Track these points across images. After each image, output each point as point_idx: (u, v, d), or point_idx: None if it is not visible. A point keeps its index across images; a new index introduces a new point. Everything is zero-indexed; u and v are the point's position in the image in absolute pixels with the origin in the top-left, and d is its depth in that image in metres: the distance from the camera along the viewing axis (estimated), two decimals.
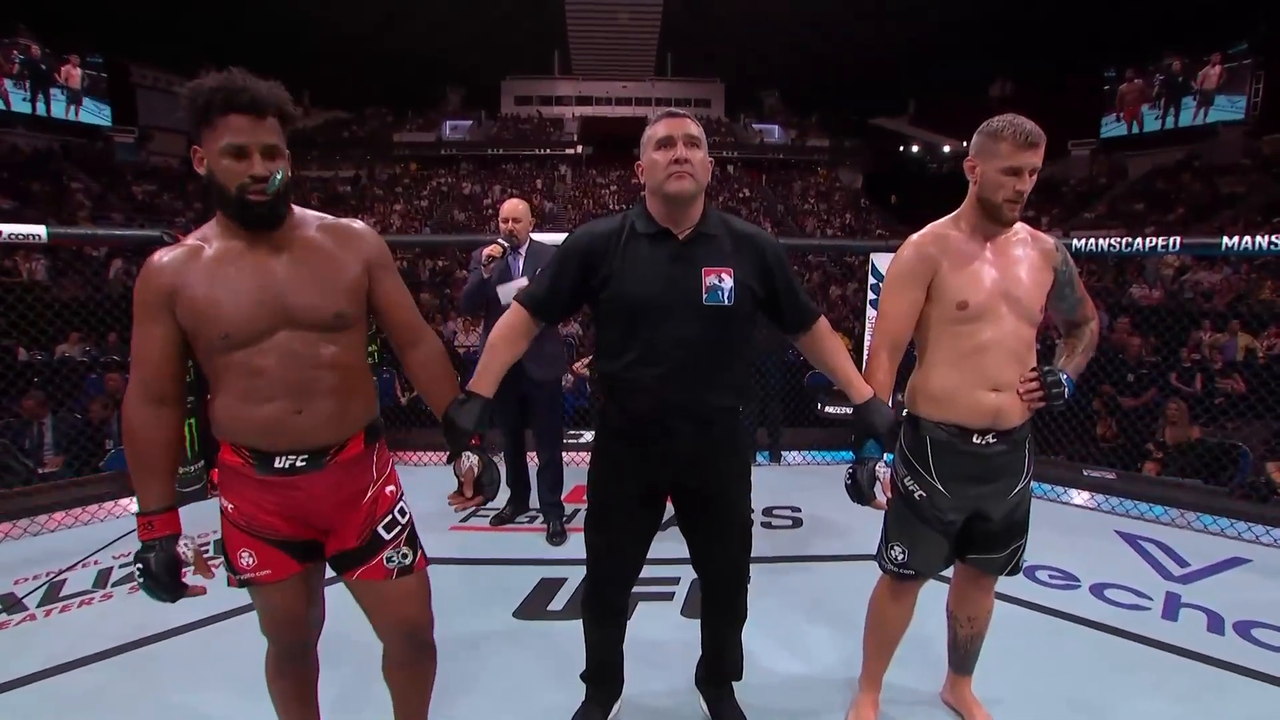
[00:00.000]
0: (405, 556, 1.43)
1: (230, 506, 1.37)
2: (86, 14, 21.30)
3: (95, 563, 2.93)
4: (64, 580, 2.77)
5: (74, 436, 4.53)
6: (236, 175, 1.21)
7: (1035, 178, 1.56)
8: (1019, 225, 1.67)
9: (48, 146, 20.62)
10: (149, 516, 1.31)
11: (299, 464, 1.32)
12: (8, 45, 19.54)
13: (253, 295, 1.25)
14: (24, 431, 4.53)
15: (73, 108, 21.23)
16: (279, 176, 1.25)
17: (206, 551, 1.33)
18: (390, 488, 1.45)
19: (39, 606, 2.56)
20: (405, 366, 1.50)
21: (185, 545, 1.33)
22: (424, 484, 2.54)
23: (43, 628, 2.42)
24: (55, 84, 20.72)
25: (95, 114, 21.88)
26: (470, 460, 1.49)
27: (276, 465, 1.31)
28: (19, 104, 20.02)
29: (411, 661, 1.51)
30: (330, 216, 1.41)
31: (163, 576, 1.29)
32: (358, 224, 1.44)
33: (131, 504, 3.58)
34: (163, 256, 1.28)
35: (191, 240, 1.31)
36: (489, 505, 2.64)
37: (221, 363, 1.28)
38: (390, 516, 1.42)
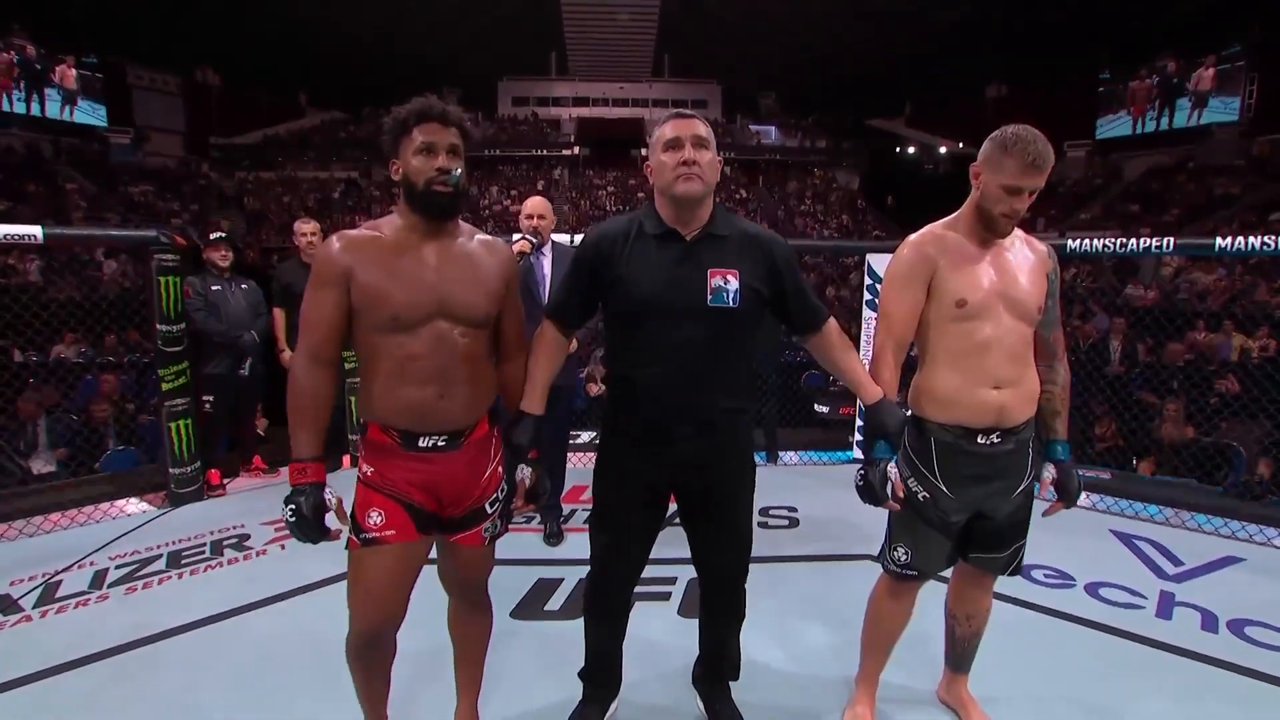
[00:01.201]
0: (498, 526, 1.65)
1: (370, 470, 1.52)
2: (82, 14, 21.21)
3: (91, 564, 2.92)
4: (60, 581, 2.76)
5: (69, 437, 4.52)
6: (425, 170, 1.44)
7: (1034, 197, 1.56)
8: (1015, 229, 1.68)
9: (43, 147, 20.55)
10: (303, 463, 1.46)
11: (440, 443, 1.50)
12: (2, 46, 19.46)
13: (421, 284, 1.45)
14: (19, 433, 4.51)
15: (68, 108, 21.12)
16: (458, 172, 1.47)
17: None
18: (499, 468, 1.64)
19: (35, 608, 2.55)
20: (500, 375, 1.68)
21: (329, 493, 1.47)
22: None
23: (39, 629, 2.42)
24: (50, 84, 20.64)
25: (90, 114, 21.78)
26: (524, 472, 1.65)
27: (421, 444, 1.49)
28: (14, 104, 19.92)
29: (472, 612, 1.73)
30: (482, 233, 1.63)
31: (312, 517, 1.44)
32: (501, 242, 1.65)
33: (128, 505, 3.58)
34: (343, 236, 1.48)
35: (370, 227, 1.51)
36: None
37: (380, 343, 1.46)
38: (495, 495, 1.62)
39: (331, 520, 1.47)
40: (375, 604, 1.51)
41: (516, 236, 2.96)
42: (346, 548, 1.51)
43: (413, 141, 1.45)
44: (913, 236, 1.70)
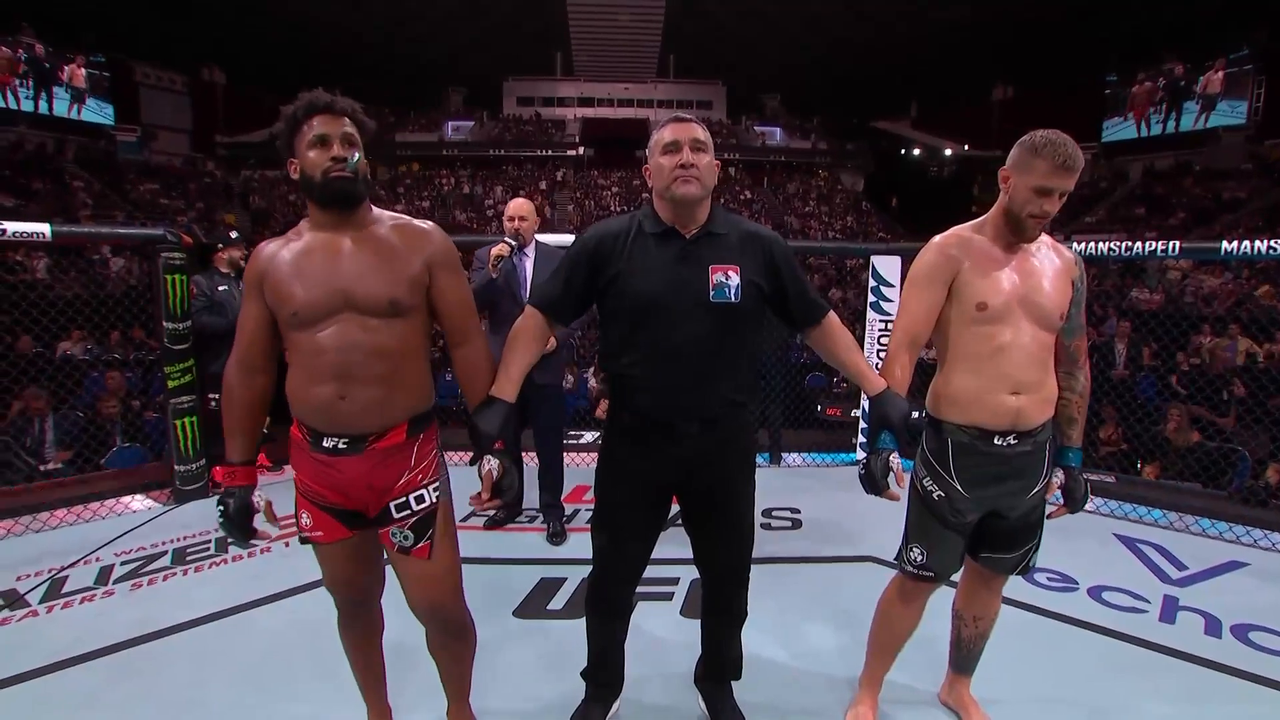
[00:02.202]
0: (407, 538, 1.52)
1: (295, 471, 1.54)
2: (90, 14, 21.31)
3: (97, 559, 2.94)
4: (66, 577, 2.78)
5: (76, 434, 4.54)
6: (321, 162, 1.41)
7: (1064, 199, 1.56)
8: (1042, 234, 1.67)
9: (50, 144, 20.65)
10: (232, 467, 1.51)
11: (341, 445, 1.45)
12: (12, 44, 19.57)
13: (322, 279, 1.42)
14: (26, 429, 4.54)
15: (76, 106, 21.26)
16: (356, 158, 1.44)
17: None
18: (419, 477, 1.52)
19: (41, 603, 2.57)
20: (453, 363, 1.61)
21: (259, 496, 1.52)
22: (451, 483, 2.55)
23: (45, 624, 2.43)
24: (59, 83, 20.75)
25: (98, 113, 21.91)
26: (490, 464, 1.55)
27: (325, 445, 1.46)
28: (22, 102, 20.03)
29: (439, 639, 1.66)
30: (405, 217, 1.55)
31: (237, 518, 1.49)
32: (427, 224, 1.56)
33: (133, 501, 3.60)
34: (264, 245, 1.49)
35: (291, 232, 1.51)
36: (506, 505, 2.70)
37: (292, 340, 1.45)
38: (403, 499, 1.51)
39: (260, 521, 1.53)
40: (335, 586, 1.60)
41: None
42: (300, 542, 1.57)
43: (305, 136, 1.43)
44: (937, 238, 1.70)
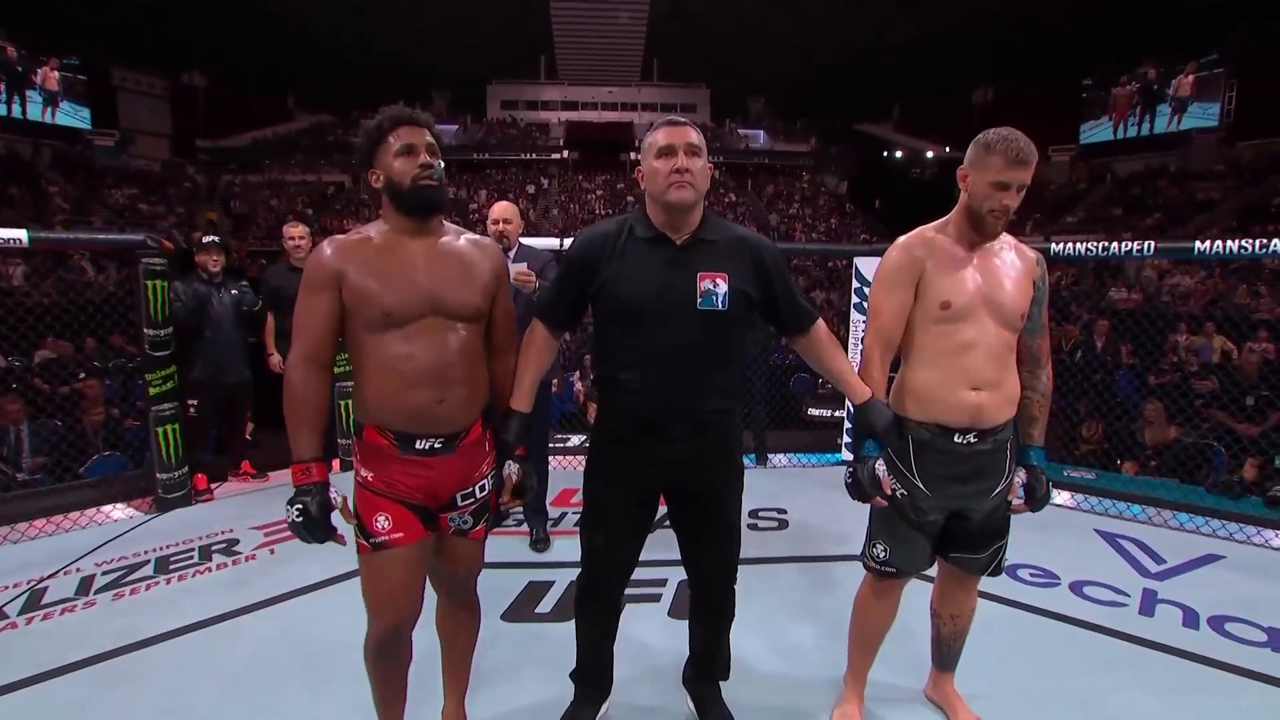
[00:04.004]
0: (466, 522, 1.62)
1: (370, 475, 1.52)
2: (67, 16, 21.01)
3: (78, 570, 2.90)
4: (46, 588, 2.73)
5: (54, 442, 4.47)
6: (410, 169, 1.47)
7: (1023, 194, 1.59)
8: (1005, 235, 1.71)
9: (24, 149, 20.28)
10: (306, 464, 1.46)
11: (436, 446, 1.50)
12: None
13: (409, 281, 1.47)
14: (1, 438, 4.46)
15: (50, 110, 20.88)
16: (441, 166, 1.52)
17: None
18: (486, 466, 1.63)
19: (20, 614, 2.52)
20: (491, 372, 1.67)
21: (335, 492, 1.48)
22: None
23: (24, 636, 2.39)
24: (32, 86, 20.39)
25: (73, 116, 21.53)
26: (511, 468, 1.66)
27: (418, 447, 1.49)
28: None
29: (461, 611, 1.74)
30: (469, 232, 1.64)
31: (320, 517, 1.44)
32: (489, 240, 1.68)
33: (114, 510, 3.54)
34: (333, 241, 1.50)
35: (359, 233, 1.53)
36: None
37: (374, 343, 1.46)
38: (470, 489, 1.60)
39: (337, 519, 1.48)
40: (395, 603, 1.53)
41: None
42: (358, 551, 1.52)
43: (391, 146, 1.48)
44: (901, 239, 1.73)
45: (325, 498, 1.45)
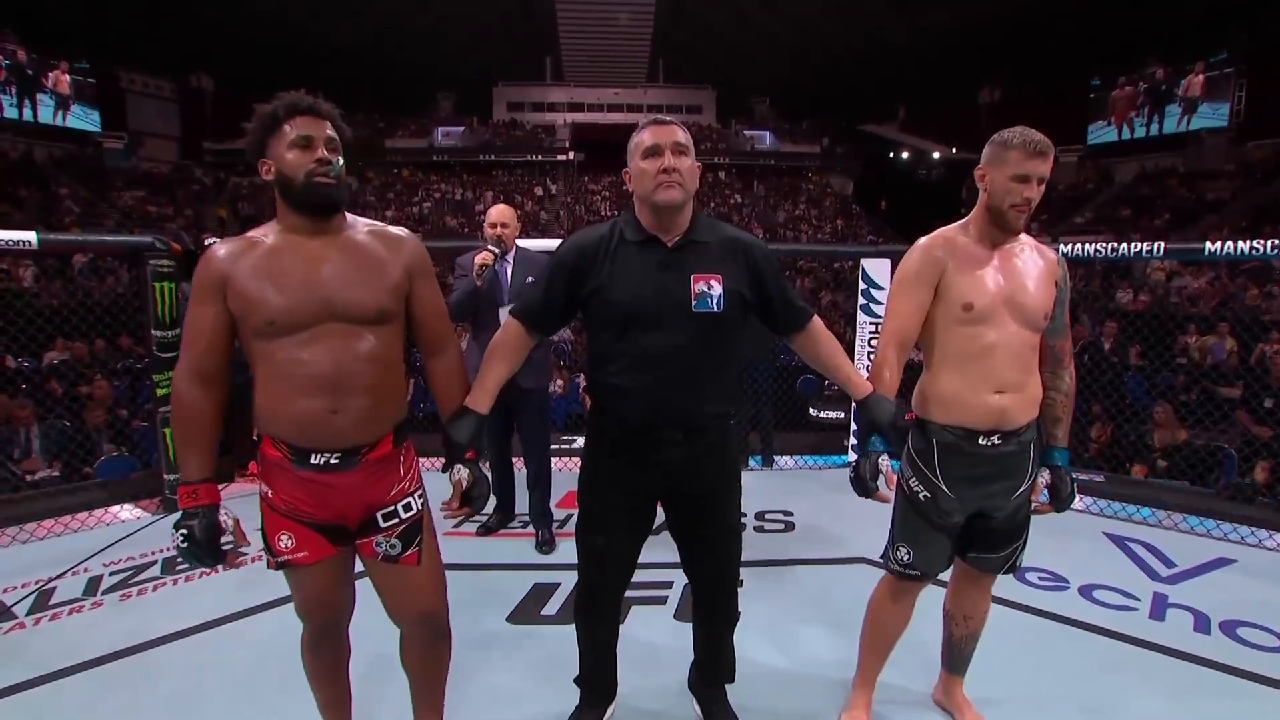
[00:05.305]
0: (394, 547, 1.49)
1: (269, 492, 1.44)
2: (75, 20, 21.16)
3: (85, 570, 2.91)
4: (53, 588, 2.74)
5: (64, 443, 4.49)
6: (304, 164, 1.35)
7: (1044, 187, 1.59)
8: (1025, 236, 1.70)
9: (35, 152, 20.45)
10: (192, 486, 1.39)
11: (333, 461, 1.39)
12: None
13: (301, 285, 1.35)
14: (12, 439, 4.49)
15: (60, 113, 21.05)
16: (339, 163, 1.39)
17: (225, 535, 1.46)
18: (407, 485, 1.51)
19: (28, 615, 2.53)
20: (427, 372, 1.59)
21: (225, 514, 1.41)
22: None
23: (32, 636, 2.40)
24: (43, 89, 20.55)
25: (83, 119, 21.69)
26: (460, 473, 1.55)
27: (312, 461, 1.39)
28: (5, 109, 19.83)
29: (422, 647, 1.60)
30: (379, 223, 1.51)
31: (205, 542, 1.37)
32: (403, 231, 1.53)
33: (122, 511, 3.56)
34: (221, 245, 1.39)
35: (251, 234, 1.42)
36: (476, 515, 2.66)
37: (263, 351, 1.36)
38: (392, 508, 1.48)
39: (228, 542, 1.41)
40: (313, 609, 1.54)
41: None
42: (267, 567, 1.49)
43: (286, 136, 1.36)
44: (923, 239, 1.72)
45: (213, 520, 1.38)
